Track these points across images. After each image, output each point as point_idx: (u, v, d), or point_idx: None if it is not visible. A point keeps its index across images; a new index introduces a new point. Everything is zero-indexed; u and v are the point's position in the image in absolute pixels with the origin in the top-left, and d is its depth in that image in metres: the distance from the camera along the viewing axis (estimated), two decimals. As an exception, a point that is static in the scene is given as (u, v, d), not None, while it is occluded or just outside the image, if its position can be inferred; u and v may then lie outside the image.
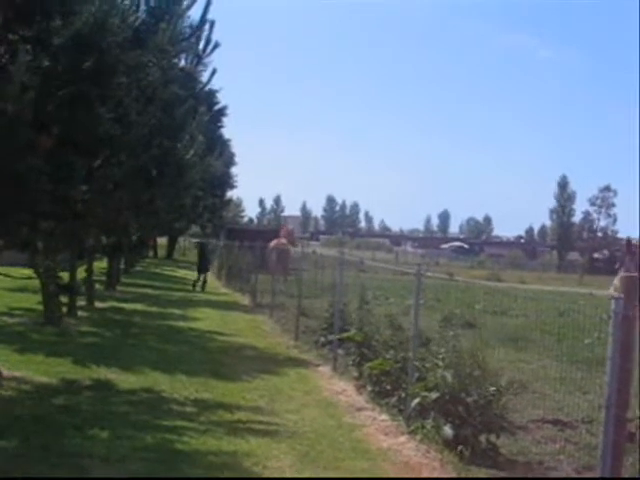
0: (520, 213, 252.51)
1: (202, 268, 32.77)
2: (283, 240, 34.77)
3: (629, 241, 12.36)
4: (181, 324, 19.25)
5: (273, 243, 31.50)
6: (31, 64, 7.00)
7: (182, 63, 10.77)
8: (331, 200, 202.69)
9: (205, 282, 32.20)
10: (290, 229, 35.00)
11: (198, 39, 10.41)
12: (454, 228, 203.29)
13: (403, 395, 9.95)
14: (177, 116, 10.37)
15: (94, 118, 7.88)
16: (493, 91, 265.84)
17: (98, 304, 20.82)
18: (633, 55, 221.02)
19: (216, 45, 10.57)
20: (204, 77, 11.72)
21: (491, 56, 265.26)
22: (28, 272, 16.56)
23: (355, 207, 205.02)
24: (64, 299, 17.32)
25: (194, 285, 31.79)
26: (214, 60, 10.95)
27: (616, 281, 10.99)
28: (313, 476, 7.49)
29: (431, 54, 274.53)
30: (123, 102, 8.63)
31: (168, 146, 10.41)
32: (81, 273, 19.75)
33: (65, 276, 17.87)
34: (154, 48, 8.80)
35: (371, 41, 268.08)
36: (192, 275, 35.21)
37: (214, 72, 11.25)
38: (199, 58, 10.56)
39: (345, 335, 12.99)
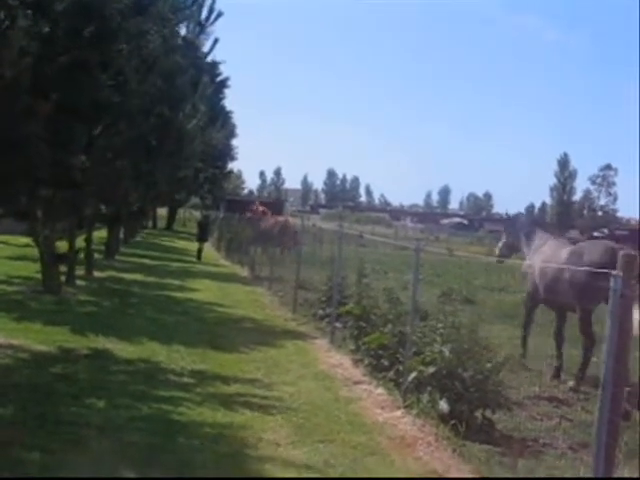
0: (521, 190, 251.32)
1: (201, 238, 33.96)
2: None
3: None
4: (179, 295, 19.25)
5: (273, 220, 31.57)
6: (31, 29, 6.93)
7: (184, 32, 10.70)
8: (332, 173, 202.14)
9: (201, 251, 33.12)
10: (260, 210, 35.59)
11: (200, 7, 10.33)
12: (454, 204, 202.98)
13: (400, 369, 9.95)
14: (178, 86, 10.32)
15: (94, 84, 7.82)
16: (497, 70, 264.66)
17: (97, 273, 20.80)
18: (636, 37, 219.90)
19: (219, 14, 10.51)
20: (206, 47, 11.66)
21: (497, 36, 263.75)
22: (27, 240, 16.53)
23: (355, 181, 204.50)
24: (63, 268, 17.30)
25: (199, 255, 32.70)
26: (217, 30, 10.88)
27: (500, 245, 14.23)
28: (310, 450, 7.51)
29: (435, 33, 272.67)
30: (123, 70, 8.56)
31: (169, 116, 10.37)
32: (80, 242, 19.71)
33: (64, 245, 17.85)
34: (155, 16, 8.73)
35: (375, 17, 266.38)
36: (192, 246, 35.79)
37: (216, 41, 11.22)
38: (201, 27, 10.48)
39: (343, 309, 12.99)
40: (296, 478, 6.78)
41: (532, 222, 13.90)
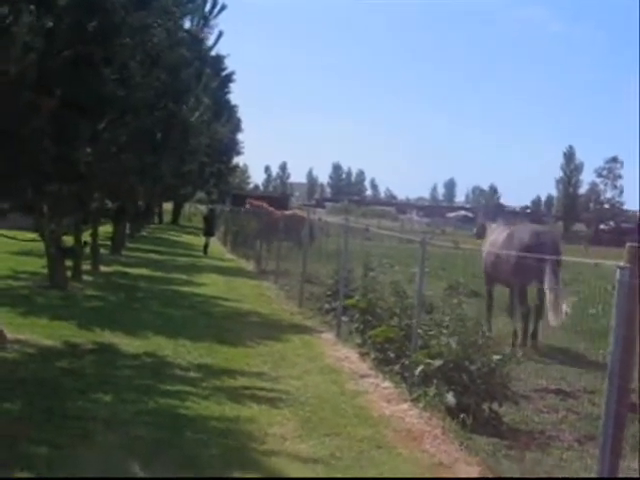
0: (527, 183, 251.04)
1: (208, 232, 34.20)
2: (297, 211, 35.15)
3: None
4: (186, 289, 19.27)
5: (279, 214, 31.51)
6: (34, 25, 6.92)
7: (188, 25, 10.68)
8: (337, 167, 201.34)
9: (207, 245, 33.18)
10: (255, 204, 35.68)
11: (204, 1, 10.31)
12: (460, 197, 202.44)
13: (406, 362, 9.94)
14: (183, 79, 10.29)
15: (98, 79, 7.81)
16: (502, 63, 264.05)
17: (103, 268, 20.84)
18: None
19: (223, 7, 10.47)
20: (211, 40, 11.64)
21: (502, 28, 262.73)
22: (33, 236, 16.56)
23: (361, 174, 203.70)
24: (69, 263, 17.31)
25: (205, 250, 32.68)
26: (221, 23, 10.86)
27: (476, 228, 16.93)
28: (316, 443, 7.50)
29: (438, 26, 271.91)
30: (128, 64, 8.53)
31: (173, 109, 10.34)
32: (86, 237, 19.72)
33: (70, 240, 17.86)
34: (159, 9, 8.71)
35: (378, 8, 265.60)
36: (198, 241, 35.91)
37: (220, 34, 11.18)
38: (205, 20, 10.46)
39: (349, 302, 12.97)
40: (302, 478, 6.77)
41: (494, 209, 16.96)
